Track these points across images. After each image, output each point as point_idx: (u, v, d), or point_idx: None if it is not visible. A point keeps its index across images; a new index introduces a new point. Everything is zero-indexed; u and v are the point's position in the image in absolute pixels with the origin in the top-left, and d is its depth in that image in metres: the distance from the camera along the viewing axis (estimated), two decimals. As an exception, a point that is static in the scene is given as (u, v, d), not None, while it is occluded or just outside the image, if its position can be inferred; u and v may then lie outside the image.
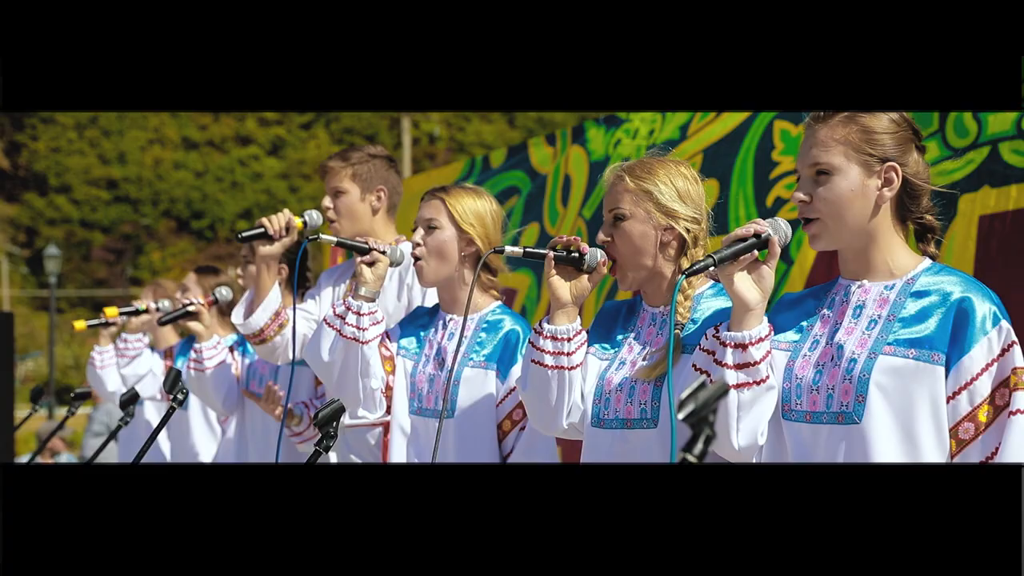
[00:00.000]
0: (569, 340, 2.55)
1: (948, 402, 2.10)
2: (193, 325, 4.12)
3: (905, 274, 2.20)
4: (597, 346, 2.64)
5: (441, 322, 3.05)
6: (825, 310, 2.26)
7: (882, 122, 2.20)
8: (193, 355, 4.14)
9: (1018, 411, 2.06)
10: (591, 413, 2.58)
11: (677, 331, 2.50)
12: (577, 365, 2.56)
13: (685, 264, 2.54)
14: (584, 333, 2.61)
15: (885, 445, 2.10)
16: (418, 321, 3.14)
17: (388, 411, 3.08)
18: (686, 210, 2.54)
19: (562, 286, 2.57)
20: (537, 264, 4.78)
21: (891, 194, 2.19)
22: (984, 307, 2.11)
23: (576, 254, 2.57)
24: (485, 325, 3.00)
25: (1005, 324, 2.11)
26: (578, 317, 2.60)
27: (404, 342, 3.09)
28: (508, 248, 2.72)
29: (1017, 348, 2.10)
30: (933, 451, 2.10)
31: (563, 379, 2.54)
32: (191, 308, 4.10)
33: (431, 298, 3.37)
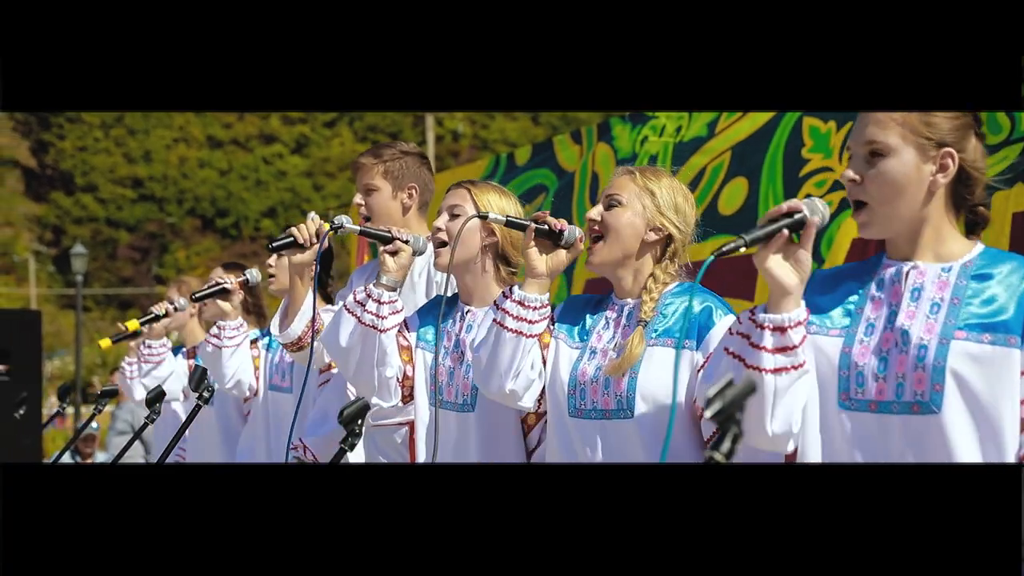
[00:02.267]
0: (535, 309, 2.69)
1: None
2: (222, 304, 4.14)
3: (960, 258, 2.14)
4: (566, 333, 2.73)
5: (459, 314, 3.04)
6: (874, 291, 2.19)
7: None
8: (214, 331, 4.16)
9: None
10: (567, 403, 2.65)
11: (646, 320, 2.61)
12: (536, 335, 2.69)
13: (659, 272, 2.65)
14: (549, 308, 2.73)
15: (965, 434, 2.04)
16: (437, 311, 3.13)
17: (404, 401, 3.07)
18: (677, 219, 2.67)
19: (538, 258, 2.72)
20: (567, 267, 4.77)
21: (945, 181, 2.13)
22: None
23: (556, 230, 2.71)
24: None
25: None
26: (548, 291, 2.73)
27: (424, 332, 3.09)
28: (491, 215, 2.87)
29: None
30: (1016, 436, 2.05)
31: (519, 345, 2.67)
32: (226, 286, 4.13)
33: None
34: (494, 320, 2.69)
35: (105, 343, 5.08)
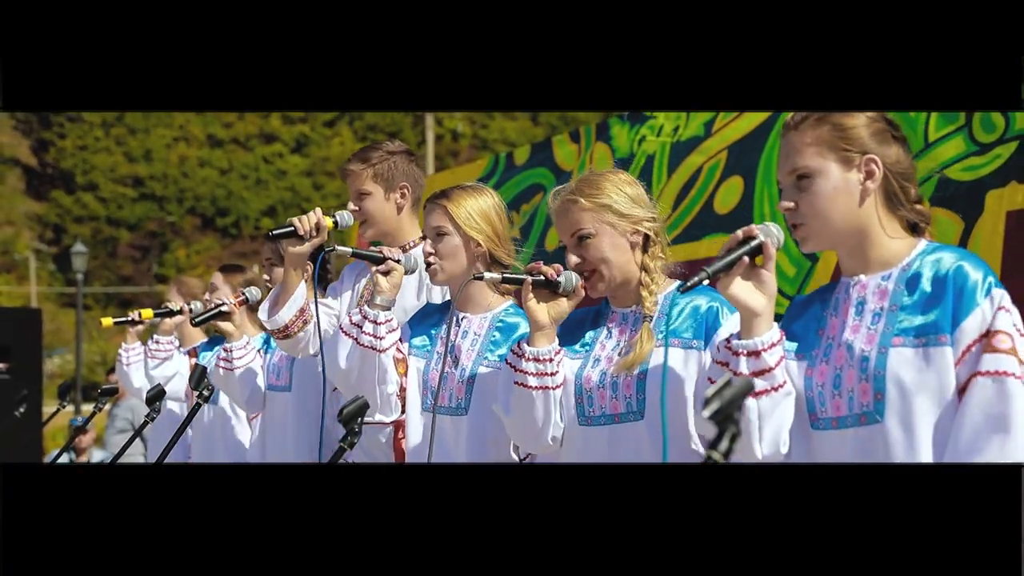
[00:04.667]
0: (551, 361, 2.64)
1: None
2: (224, 325, 4.16)
3: (900, 262, 2.17)
4: (566, 348, 2.71)
5: (454, 319, 3.06)
6: (831, 311, 2.24)
7: (855, 118, 2.18)
8: (223, 354, 4.18)
9: (977, 373, 2.03)
10: (575, 412, 2.65)
11: (648, 323, 2.60)
12: (560, 385, 2.65)
13: (648, 262, 2.65)
14: (563, 352, 2.69)
15: (908, 441, 2.06)
16: (429, 319, 3.16)
17: (401, 411, 3.10)
18: (643, 212, 2.65)
19: (540, 309, 2.65)
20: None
21: (874, 186, 2.17)
22: (976, 275, 2.08)
23: (552, 280, 2.65)
24: (500, 324, 3.01)
25: (997, 292, 2.08)
26: (556, 338, 2.68)
27: (415, 340, 3.11)
28: (487, 275, 2.83)
29: (1004, 313, 2.06)
30: (966, 435, 2.04)
31: (548, 398, 2.64)
32: (224, 308, 4.15)
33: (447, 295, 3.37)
34: (515, 383, 2.65)
35: (107, 321, 5.10)
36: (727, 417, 1.59)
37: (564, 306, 2.66)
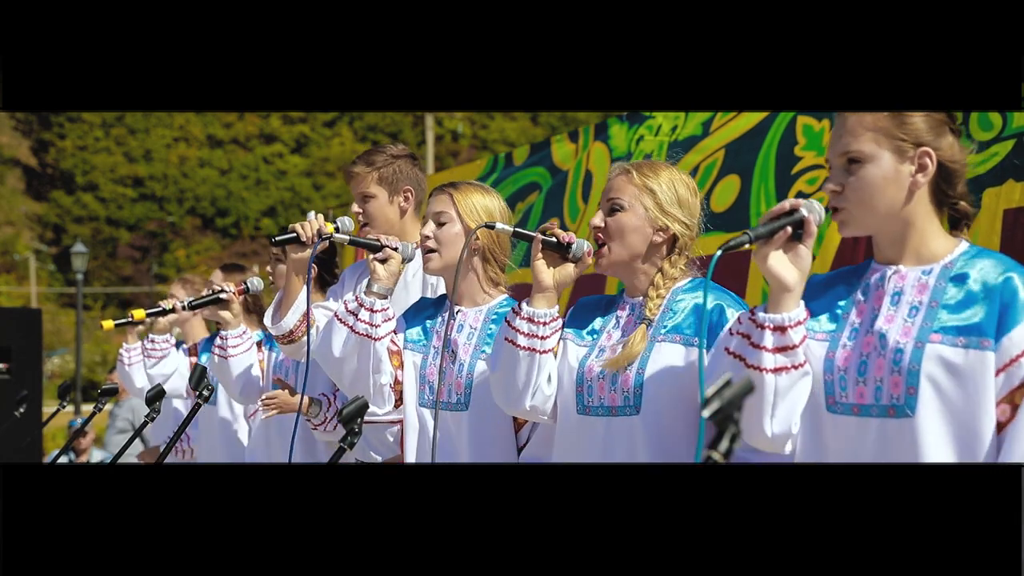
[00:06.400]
0: (545, 324, 2.63)
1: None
2: (222, 313, 4.15)
3: (942, 258, 2.15)
4: (573, 333, 2.70)
5: (448, 313, 3.06)
6: (859, 296, 2.21)
7: None
8: (219, 342, 4.18)
9: None
10: (575, 400, 2.63)
11: (651, 319, 2.58)
12: (549, 350, 2.64)
13: (667, 267, 2.62)
14: (560, 320, 2.68)
15: (939, 439, 2.05)
16: (424, 313, 3.15)
17: (397, 405, 3.09)
18: (681, 215, 2.62)
19: (545, 270, 2.66)
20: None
21: (925, 180, 2.14)
22: None
23: (563, 243, 2.66)
24: (495, 317, 3.00)
25: None
26: (556, 304, 2.67)
27: (411, 334, 3.11)
28: (499, 225, 2.84)
29: None
30: (993, 439, 2.04)
31: (533, 361, 2.62)
32: (222, 296, 4.14)
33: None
34: (505, 339, 2.64)
35: (108, 324, 5.11)
36: (727, 417, 1.59)
37: (570, 270, 2.66)
